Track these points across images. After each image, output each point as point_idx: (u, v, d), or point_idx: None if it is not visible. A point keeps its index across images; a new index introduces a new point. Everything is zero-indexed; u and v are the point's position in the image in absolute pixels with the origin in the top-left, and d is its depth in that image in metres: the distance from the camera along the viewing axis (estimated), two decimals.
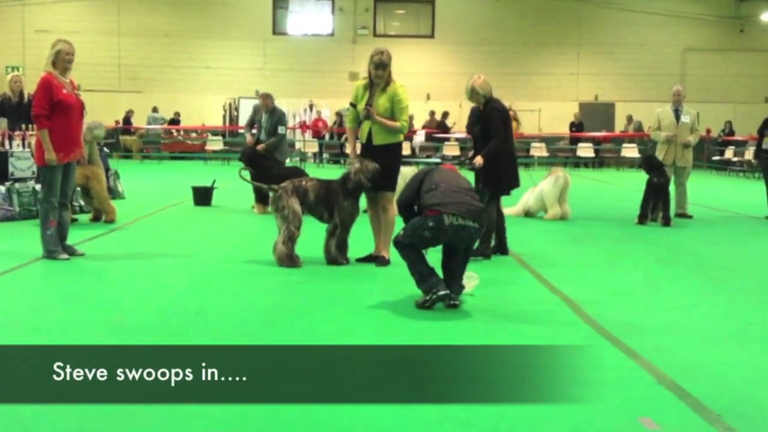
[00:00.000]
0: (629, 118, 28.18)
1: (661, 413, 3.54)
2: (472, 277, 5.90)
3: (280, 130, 11.03)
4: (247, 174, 7.80)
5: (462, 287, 5.64)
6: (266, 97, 11.09)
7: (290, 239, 6.90)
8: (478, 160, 7.35)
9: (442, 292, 5.33)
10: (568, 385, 3.93)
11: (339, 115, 26.38)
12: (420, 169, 6.06)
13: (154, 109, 27.70)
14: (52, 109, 6.95)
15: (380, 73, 7.01)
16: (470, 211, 5.41)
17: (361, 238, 7.47)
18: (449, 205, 5.38)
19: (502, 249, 7.76)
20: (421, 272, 5.43)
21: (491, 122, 7.42)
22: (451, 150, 25.80)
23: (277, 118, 11.08)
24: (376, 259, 7.22)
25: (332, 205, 7.04)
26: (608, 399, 3.73)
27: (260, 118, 11.18)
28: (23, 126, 10.37)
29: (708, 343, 4.82)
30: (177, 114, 28.16)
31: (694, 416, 3.53)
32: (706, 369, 4.25)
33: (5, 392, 3.68)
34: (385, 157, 7.05)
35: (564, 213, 10.97)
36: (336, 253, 7.10)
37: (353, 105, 7.28)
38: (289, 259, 6.90)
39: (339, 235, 7.09)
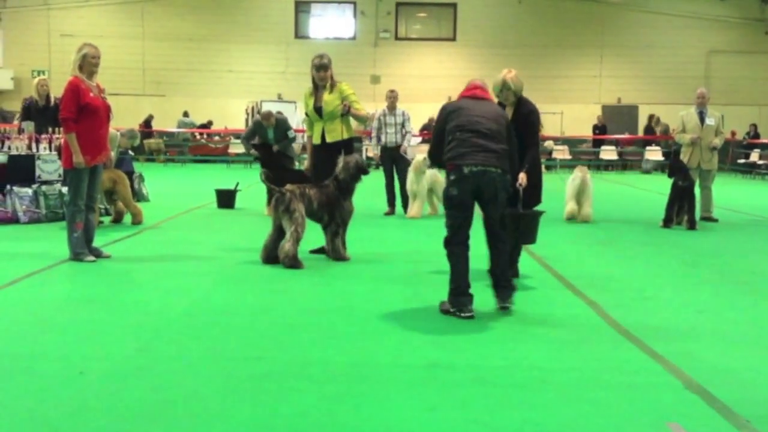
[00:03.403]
0: (656, 120, 27.93)
1: (690, 418, 3.51)
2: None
3: (290, 134, 11.26)
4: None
5: (513, 289, 5.60)
6: (270, 116, 11.27)
7: (297, 241, 7.12)
8: (523, 180, 6.14)
9: (465, 315, 5.32)
10: (594, 389, 3.92)
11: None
12: (443, 107, 5.74)
13: (185, 114, 27.92)
14: (79, 112, 7.03)
15: (322, 74, 7.72)
16: (488, 158, 5.34)
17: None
18: (465, 156, 5.34)
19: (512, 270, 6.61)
20: (458, 285, 5.39)
21: (529, 127, 6.36)
22: None
23: (283, 127, 11.31)
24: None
25: (333, 207, 7.36)
26: (636, 404, 3.71)
27: (264, 133, 11.28)
28: (50, 129, 10.49)
29: (735, 347, 4.77)
30: (210, 122, 28.39)
31: (722, 422, 3.50)
32: (734, 374, 4.21)
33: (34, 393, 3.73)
34: (338, 153, 7.58)
35: (584, 215, 10.90)
36: (343, 252, 7.46)
37: (308, 115, 7.91)
38: (294, 260, 7.06)
39: (341, 234, 7.46)
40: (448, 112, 5.62)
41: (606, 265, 7.75)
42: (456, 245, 5.44)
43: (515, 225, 6.17)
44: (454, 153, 5.41)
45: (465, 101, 5.67)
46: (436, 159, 5.79)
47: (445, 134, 5.54)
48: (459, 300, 5.36)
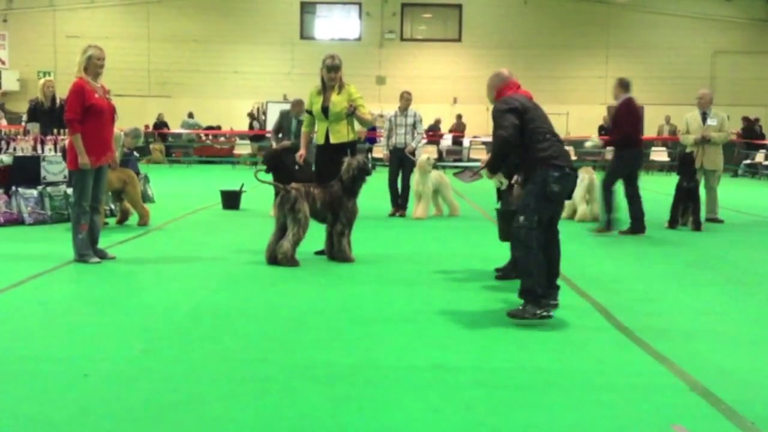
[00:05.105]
0: (667, 119, 27.83)
1: (694, 420, 3.50)
2: None
3: None
4: (264, 176, 7.94)
5: (558, 286, 5.67)
6: (299, 104, 11.13)
7: (297, 243, 7.20)
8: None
9: (552, 312, 5.24)
10: (599, 391, 3.91)
11: (251, 116, 26.84)
12: (516, 100, 5.51)
13: (190, 115, 27.94)
14: (84, 113, 7.05)
15: (333, 75, 7.75)
16: (570, 161, 5.57)
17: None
18: (563, 157, 5.46)
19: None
20: (534, 286, 5.23)
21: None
22: (477, 153, 25.76)
23: None
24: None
25: (337, 208, 7.40)
26: (640, 406, 3.70)
27: (288, 124, 11.30)
28: (55, 130, 10.51)
29: (740, 349, 4.75)
30: (218, 127, 28.41)
31: (727, 423, 3.49)
32: (739, 375, 4.20)
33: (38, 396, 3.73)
34: (341, 155, 7.62)
35: (592, 214, 10.93)
36: (349, 252, 7.47)
37: (309, 112, 7.98)
38: (292, 259, 7.15)
39: (347, 235, 7.49)
40: (523, 109, 5.49)
41: (610, 266, 7.73)
42: (541, 234, 5.42)
43: (507, 222, 6.11)
44: (553, 152, 5.43)
45: (528, 102, 5.64)
46: (509, 158, 5.68)
47: (527, 133, 5.47)
48: (540, 302, 5.21)
